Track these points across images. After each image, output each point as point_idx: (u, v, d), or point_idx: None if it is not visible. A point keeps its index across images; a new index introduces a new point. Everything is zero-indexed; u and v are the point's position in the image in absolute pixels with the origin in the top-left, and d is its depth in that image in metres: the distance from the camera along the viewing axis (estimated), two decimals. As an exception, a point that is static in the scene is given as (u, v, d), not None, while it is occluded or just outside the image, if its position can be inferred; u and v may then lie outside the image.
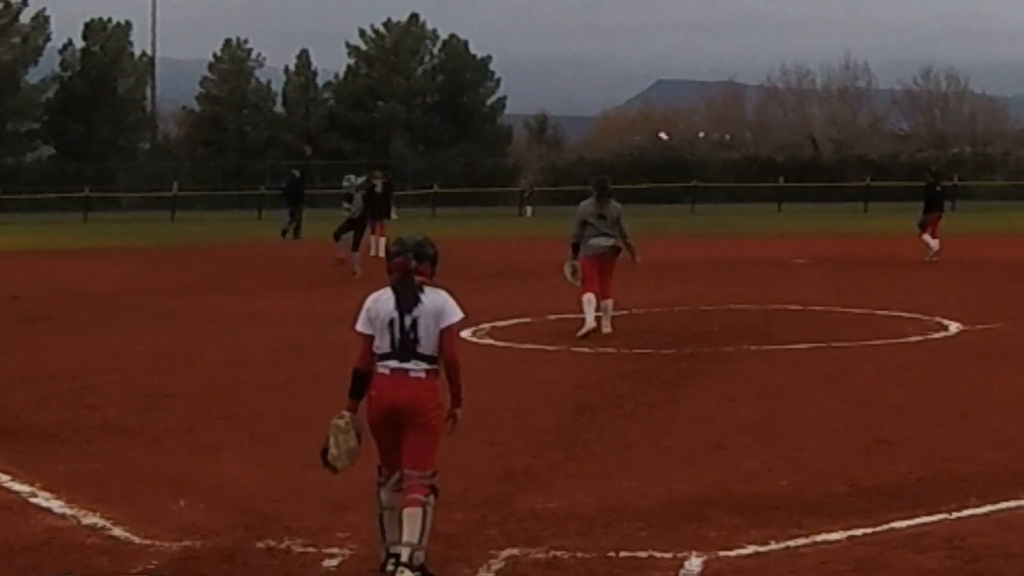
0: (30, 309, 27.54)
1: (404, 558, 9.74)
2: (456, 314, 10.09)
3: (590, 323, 23.01)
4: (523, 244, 49.34)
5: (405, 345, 9.95)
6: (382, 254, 43.78)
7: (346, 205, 39.55)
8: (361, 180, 42.89)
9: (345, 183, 42.14)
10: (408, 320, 9.97)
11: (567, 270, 23.56)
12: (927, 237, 40.57)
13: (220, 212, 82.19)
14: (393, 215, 70.36)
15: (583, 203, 24.13)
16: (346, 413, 10.29)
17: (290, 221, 55.84)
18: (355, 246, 36.92)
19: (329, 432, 10.38)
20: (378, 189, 48.06)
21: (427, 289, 10.07)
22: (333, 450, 10.32)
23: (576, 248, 23.49)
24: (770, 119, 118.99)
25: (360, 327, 10.17)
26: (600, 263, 23.42)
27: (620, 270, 23.97)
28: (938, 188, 43.07)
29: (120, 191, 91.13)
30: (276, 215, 77.69)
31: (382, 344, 10.02)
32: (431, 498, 9.94)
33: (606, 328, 23.29)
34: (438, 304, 10.02)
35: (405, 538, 9.80)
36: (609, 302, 23.56)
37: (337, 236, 38.51)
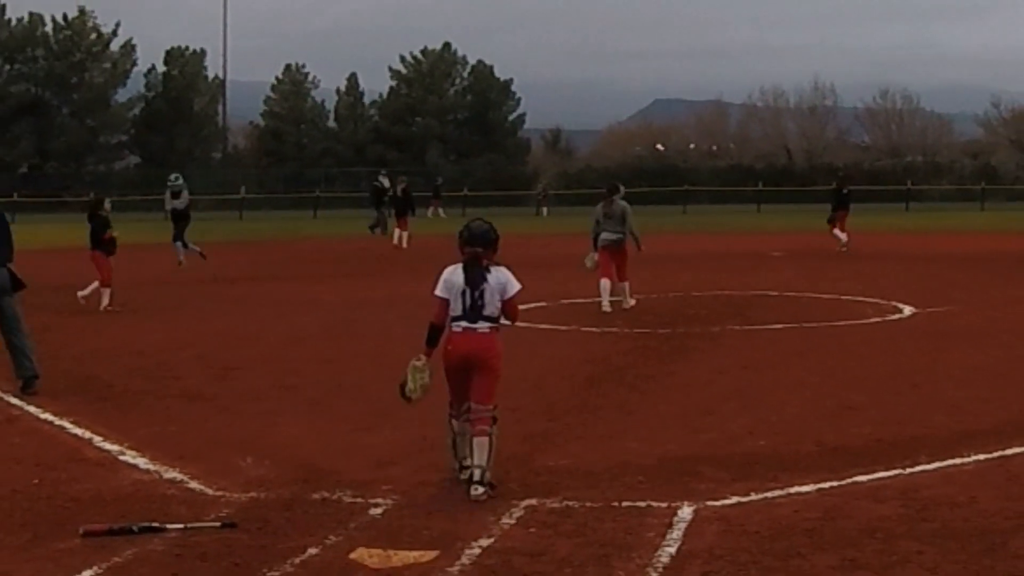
0: (119, 296, 27.51)
1: (476, 477, 10.83)
2: (515, 287, 11.24)
3: (605, 304, 24.10)
4: (539, 239, 49.26)
5: (474, 310, 11.09)
6: (405, 245, 44.02)
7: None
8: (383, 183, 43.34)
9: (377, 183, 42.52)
10: (476, 292, 11.07)
11: (587, 260, 24.86)
12: (837, 232, 41.98)
13: (281, 212, 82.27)
14: (432, 213, 70.44)
15: (598, 204, 25.24)
16: (423, 356, 11.27)
17: (377, 220, 55.07)
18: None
19: (407, 371, 11.30)
20: (398, 192, 48.34)
21: (492, 269, 11.16)
22: (410, 384, 11.26)
23: (595, 241, 24.54)
24: (750, 133, 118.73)
25: (438, 292, 11.23)
26: (610, 253, 24.44)
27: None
28: (844, 191, 44.17)
29: (197, 194, 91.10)
30: (329, 215, 77.87)
31: (456, 308, 11.13)
32: (494, 428, 11.05)
33: (629, 303, 24.56)
34: (501, 280, 11.14)
35: (476, 461, 10.89)
36: (626, 284, 24.68)
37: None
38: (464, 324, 11.15)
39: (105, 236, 25.85)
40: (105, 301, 25.45)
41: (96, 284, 25.83)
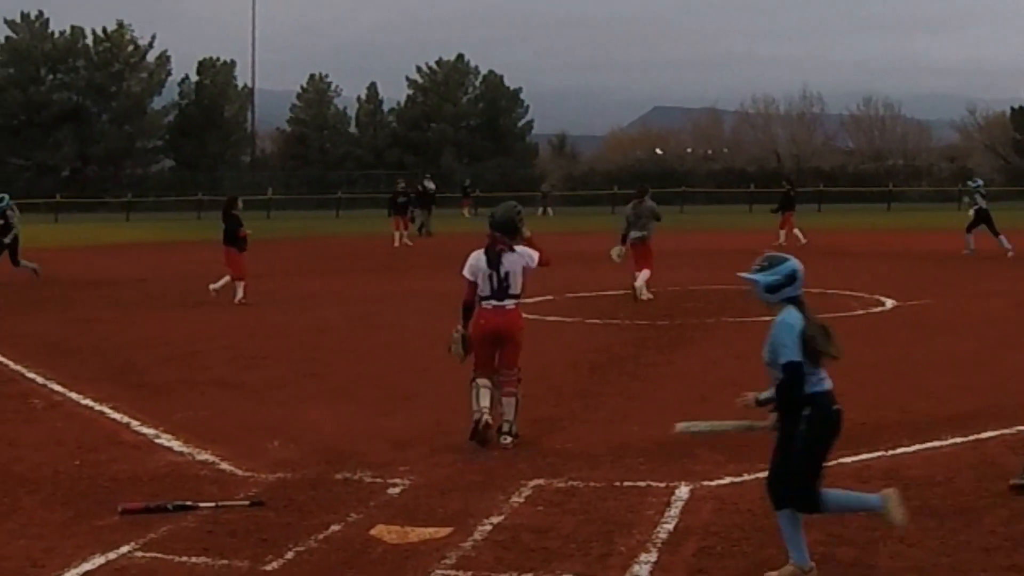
0: (153, 290, 27.57)
1: (505, 428, 12.00)
2: (534, 256, 12.26)
3: (645, 294, 25.05)
4: (546, 237, 49.17)
5: (501, 290, 12.11)
6: (398, 244, 43.32)
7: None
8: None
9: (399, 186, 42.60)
10: (501, 272, 12.08)
11: (614, 253, 25.67)
12: (797, 232, 43.59)
13: (305, 212, 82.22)
14: (468, 213, 69.92)
15: (629, 204, 26.61)
16: (460, 328, 12.37)
17: (422, 222, 53.88)
18: None
19: (451, 339, 12.48)
20: (412, 193, 48.33)
21: (514, 248, 12.19)
22: (454, 347, 12.46)
23: (624, 238, 25.58)
24: (743, 138, 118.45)
25: (466, 274, 12.29)
26: (635, 249, 25.56)
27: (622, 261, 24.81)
28: (792, 193, 46.35)
29: (223, 196, 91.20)
30: (350, 215, 77.83)
31: (484, 288, 12.13)
32: (519, 388, 12.20)
33: (644, 295, 25.03)
34: (524, 256, 12.21)
35: (505, 416, 12.04)
36: (645, 272, 25.30)
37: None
38: (493, 303, 12.14)
39: (240, 233, 25.92)
40: (240, 294, 25.43)
41: (227, 278, 25.80)
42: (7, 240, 30.83)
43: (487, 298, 12.16)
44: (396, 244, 44.20)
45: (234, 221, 26.15)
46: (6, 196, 31.65)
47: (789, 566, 8.29)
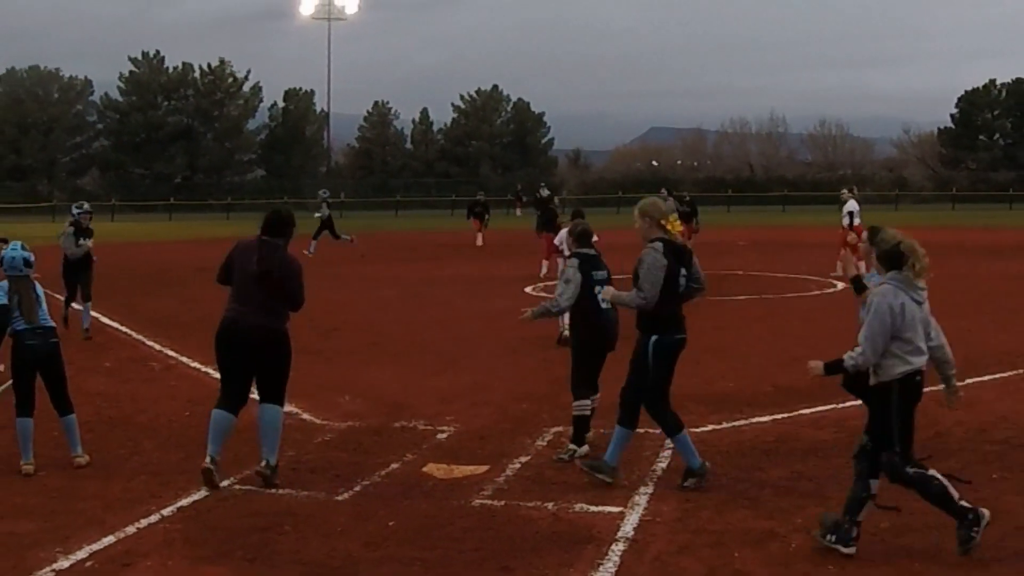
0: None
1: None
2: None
3: None
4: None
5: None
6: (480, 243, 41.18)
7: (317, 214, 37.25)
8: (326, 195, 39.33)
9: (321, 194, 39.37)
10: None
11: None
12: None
13: (370, 212, 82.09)
14: (518, 213, 68.12)
15: None
16: None
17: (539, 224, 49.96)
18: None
19: None
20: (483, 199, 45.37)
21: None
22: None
23: None
24: (722, 152, 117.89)
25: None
26: None
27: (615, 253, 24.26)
28: (687, 199, 40.49)
29: (307, 198, 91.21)
30: (406, 214, 77.87)
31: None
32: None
33: None
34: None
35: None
36: None
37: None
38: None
39: (556, 224, 26.27)
40: (544, 270, 25.62)
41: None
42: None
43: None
44: (478, 244, 42.02)
45: (551, 214, 26.60)
46: (85, 203, 31.10)
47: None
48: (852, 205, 27.96)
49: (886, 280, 7.50)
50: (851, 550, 7.23)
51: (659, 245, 8.76)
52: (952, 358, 7.64)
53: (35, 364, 9.42)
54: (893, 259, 7.48)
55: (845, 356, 7.33)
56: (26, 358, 9.37)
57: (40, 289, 9.66)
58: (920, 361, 7.30)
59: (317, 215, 37.20)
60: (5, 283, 9.66)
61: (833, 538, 7.29)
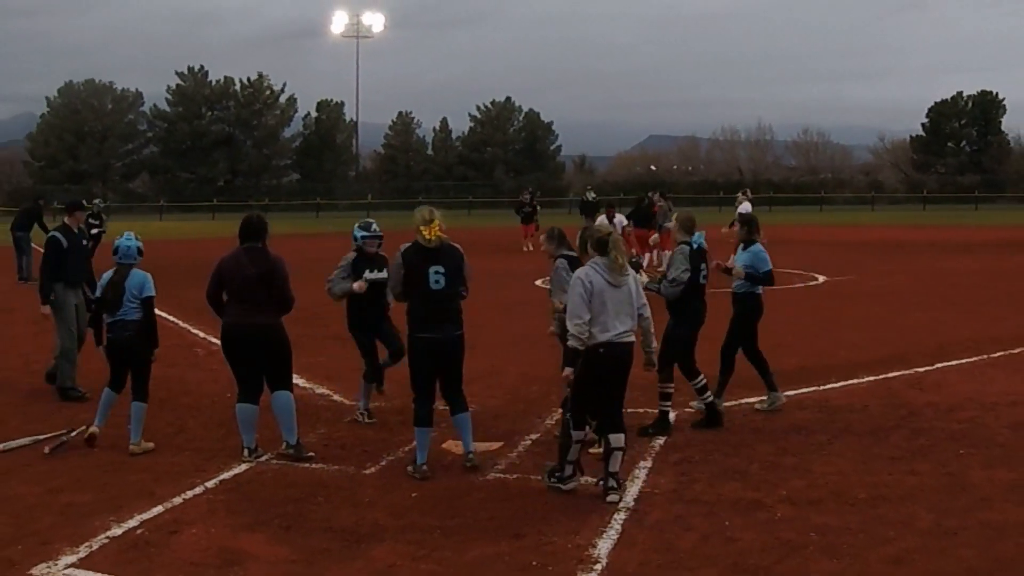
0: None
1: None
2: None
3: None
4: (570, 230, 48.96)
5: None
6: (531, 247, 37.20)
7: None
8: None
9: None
10: None
11: (651, 240, 24.39)
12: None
13: (394, 212, 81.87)
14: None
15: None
16: None
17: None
18: None
19: None
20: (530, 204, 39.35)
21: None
22: None
23: (658, 229, 25.35)
24: (715, 158, 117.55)
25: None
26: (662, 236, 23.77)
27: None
28: (647, 203, 36.08)
29: (337, 199, 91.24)
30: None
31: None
32: None
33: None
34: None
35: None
36: (646, 256, 25.80)
37: None
38: None
39: (652, 221, 26.99)
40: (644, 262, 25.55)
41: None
42: (96, 232, 27.17)
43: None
44: (525, 249, 37.51)
45: (591, 207, 28.50)
46: (99, 199, 29.65)
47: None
48: (746, 207, 27.62)
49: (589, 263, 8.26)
50: (571, 486, 7.96)
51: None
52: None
53: (118, 351, 9.47)
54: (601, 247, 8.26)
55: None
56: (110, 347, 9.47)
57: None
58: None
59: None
60: (105, 276, 9.54)
61: (555, 479, 8.03)
